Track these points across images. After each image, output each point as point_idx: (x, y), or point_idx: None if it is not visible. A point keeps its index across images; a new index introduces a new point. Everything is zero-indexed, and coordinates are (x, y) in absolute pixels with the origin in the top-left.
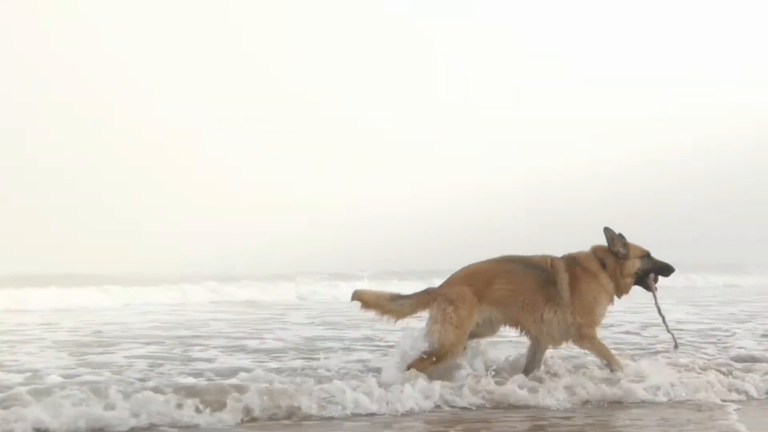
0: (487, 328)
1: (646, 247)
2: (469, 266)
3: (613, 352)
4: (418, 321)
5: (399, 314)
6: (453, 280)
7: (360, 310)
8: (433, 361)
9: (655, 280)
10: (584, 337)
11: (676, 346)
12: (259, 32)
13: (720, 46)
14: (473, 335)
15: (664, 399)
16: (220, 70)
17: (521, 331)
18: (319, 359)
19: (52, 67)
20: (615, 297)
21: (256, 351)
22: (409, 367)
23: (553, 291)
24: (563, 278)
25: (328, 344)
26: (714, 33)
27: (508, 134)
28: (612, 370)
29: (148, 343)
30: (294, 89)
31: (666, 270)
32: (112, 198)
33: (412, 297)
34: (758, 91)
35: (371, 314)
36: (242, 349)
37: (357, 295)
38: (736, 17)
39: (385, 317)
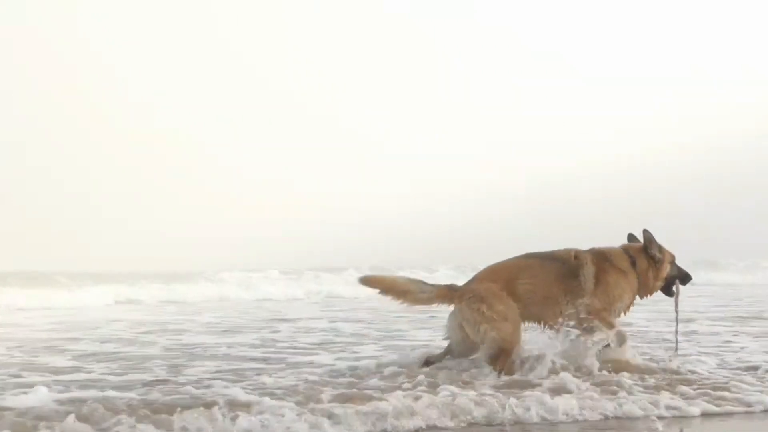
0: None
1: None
2: (492, 264)
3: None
4: None
5: (415, 298)
6: (478, 278)
7: (378, 294)
8: (502, 357)
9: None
10: (600, 318)
11: (676, 350)
12: (257, 32)
13: (720, 46)
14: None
15: None
16: (215, 70)
17: (543, 326)
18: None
19: (43, 66)
20: (637, 297)
21: (120, 360)
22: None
23: (573, 283)
24: (589, 270)
25: (220, 350)
26: (714, 33)
27: (508, 134)
28: (619, 344)
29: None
30: (292, 89)
31: (687, 278)
32: (105, 198)
33: (433, 286)
34: (759, 91)
35: (387, 298)
36: (117, 357)
37: (366, 281)
38: (736, 17)
39: (402, 300)
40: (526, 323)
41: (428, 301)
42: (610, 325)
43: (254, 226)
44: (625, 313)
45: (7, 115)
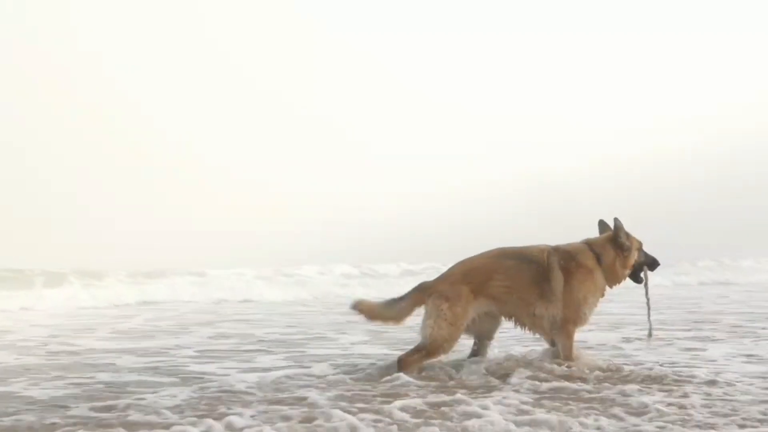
0: (488, 324)
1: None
2: (467, 261)
3: (576, 353)
4: None
5: (399, 318)
6: (450, 277)
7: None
8: (423, 356)
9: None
10: (563, 331)
11: (650, 335)
12: (246, 32)
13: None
14: (479, 335)
15: None
16: (204, 70)
17: (516, 323)
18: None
19: (33, 66)
20: (607, 288)
21: None
22: (399, 360)
23: (546, 287)
24: (557, 275)
25: (108, 360)
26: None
27: (508, 134)
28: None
29: None
30: (281, 88)
31: (654, 264)
32: (93, 198)
33: (407, 298)
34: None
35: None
36: None
37: (357, 306)
38: (738, 16)
39: (390, 324)
40: (503, 319)
41: (408, 312)
42: (569, 357)
43: (244, 226)
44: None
45: None
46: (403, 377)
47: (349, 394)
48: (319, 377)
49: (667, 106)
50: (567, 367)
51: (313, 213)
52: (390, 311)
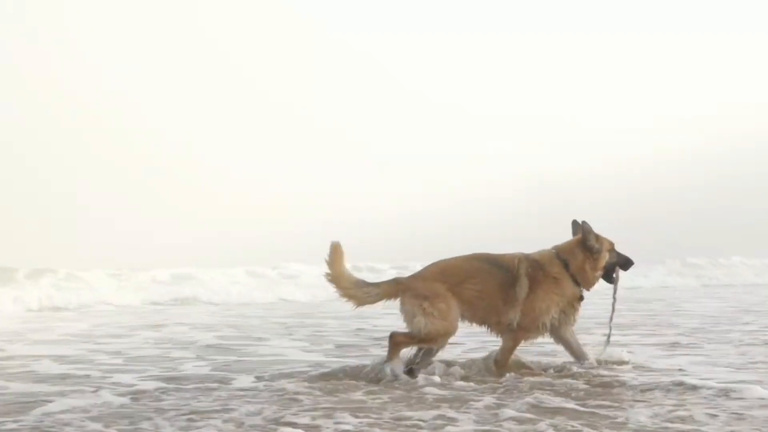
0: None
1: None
2: (441, 262)
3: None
4: None
5: (361, 301)
6: (425, 276)
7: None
8: (413, 342)
9: (616, 273)
10: (513, 335)
11: (607, 342)
12: (246, 33)
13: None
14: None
15: None
16: (204, 70)
17: (487, 329)
18: None
19: (31, 66)
20: (581, 294)
21: None
22: (391, 335)
23: (511, 293)
24: (523, 282)
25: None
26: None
27: (508, 134)
28: (493, 367)
29: None
30: (279, 88)
31: (628, 263)
32: (93, 198)
33: (379, 286)
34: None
35: (331, 288)
36: None
37: (332, 252)
38: (738, 16)
39: (345, 299)
40: (473, 325)
41: (374, 300)
42: (504, 360)
43: (244, 226)
44: (561, 318)
45: None
46: (338, 395)
47: (272, 409)
48: (239, 389)
49: (667, 106)
50: (496, 369)
51: (313, 213)
52: (357, 291)
